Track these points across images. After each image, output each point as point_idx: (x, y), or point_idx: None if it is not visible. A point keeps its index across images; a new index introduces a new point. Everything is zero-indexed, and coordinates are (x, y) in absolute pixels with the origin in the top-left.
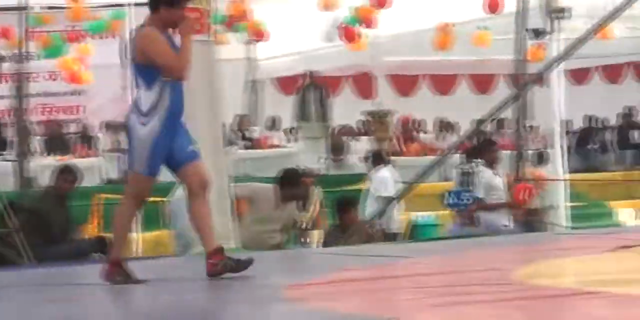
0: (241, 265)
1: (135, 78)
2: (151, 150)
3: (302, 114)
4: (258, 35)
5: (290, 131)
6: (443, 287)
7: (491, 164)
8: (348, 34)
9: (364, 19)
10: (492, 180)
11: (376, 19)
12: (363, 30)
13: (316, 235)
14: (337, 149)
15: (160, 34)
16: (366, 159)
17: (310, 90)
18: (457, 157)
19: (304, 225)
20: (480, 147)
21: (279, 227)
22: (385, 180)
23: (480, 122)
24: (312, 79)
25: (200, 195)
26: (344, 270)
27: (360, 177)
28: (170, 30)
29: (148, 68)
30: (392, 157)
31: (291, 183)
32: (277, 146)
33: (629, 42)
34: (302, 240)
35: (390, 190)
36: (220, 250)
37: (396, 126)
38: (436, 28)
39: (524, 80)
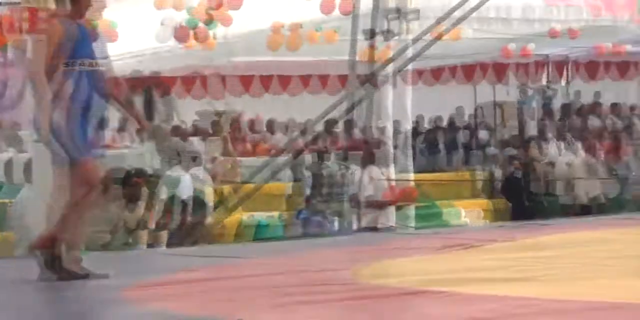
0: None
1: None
2: (70, 133)
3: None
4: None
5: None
6: (284, 287)
7: (372, 162)
8: (187, 34)
9: (209, 19)
10: (375, 179)
11: (221, 18)
12: (207, 30)
13: (145, 237)
14: (173, 150)
15: (59, 24)
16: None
17: (146, 91)
18: (302, 158)
19: (134, 226)
20: (358, 146)
21: (108, 227)
22: (180, 181)
23: (330, 122)
24: (147, 80)
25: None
26: (186, 270)
27: None
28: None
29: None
30: (227, 158)
31: (123, 183)
32: (118, 147)
33: (476, 43)
34: (133, 240)
35: (187, 193)
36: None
37: (236, 126)
38: (273, 28)
39: (369, 81)
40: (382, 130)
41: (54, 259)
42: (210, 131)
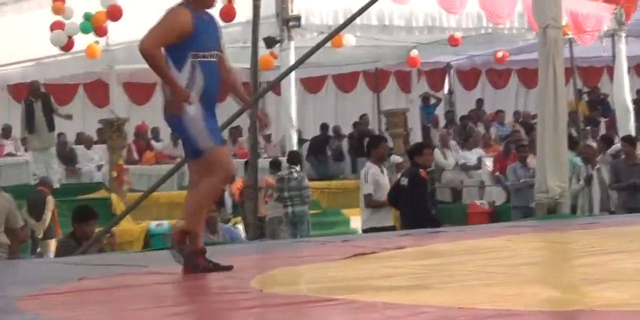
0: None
1: (166, 58)
2: (205, 122)
3: (30, 124)
4: None
5: (21, 141)
6: (180, 296)
7: (380, 160)
8: (73, 43)
9: (97, 27)
10: (380, 178)
11: (109, 27)
12: (97, 38)
13: (52, 245)
14: (69, 158)
15: (188, 13)
16: None
17: (37, 99)
18: None
19: (40, 235)
20: (369, 144)
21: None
22: None
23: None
24: (37, 88)
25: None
26: (80, 280)
27: (98, 186)
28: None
29: (174, 47)
30: (128, 166)
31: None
32: (12, 155)
33: (360, 51)
34: (42, 249)
35: None
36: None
37: (132, 134)
38: None
39: (258, 89)
40: (269, 138)
41: (216, 265)
42: (96, 139)
